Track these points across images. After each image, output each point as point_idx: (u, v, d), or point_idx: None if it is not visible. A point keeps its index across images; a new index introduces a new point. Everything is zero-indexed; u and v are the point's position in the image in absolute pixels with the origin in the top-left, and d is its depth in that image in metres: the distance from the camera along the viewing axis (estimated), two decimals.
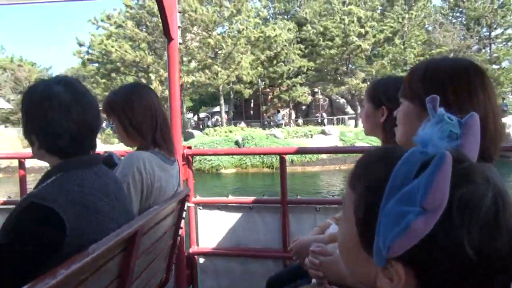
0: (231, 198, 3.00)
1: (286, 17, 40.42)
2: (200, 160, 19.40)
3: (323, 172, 19.53)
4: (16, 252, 1.03)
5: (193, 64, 30.42)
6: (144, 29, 30.12)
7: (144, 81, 27.70)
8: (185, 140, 25.49)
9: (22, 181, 3.17)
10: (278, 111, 36.35)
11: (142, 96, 1.81)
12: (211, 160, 20.05)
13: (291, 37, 34.14)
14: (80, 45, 33.24)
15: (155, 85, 26.22)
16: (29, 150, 1.47)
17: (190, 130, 29.31)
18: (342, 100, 36.95)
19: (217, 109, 37.74)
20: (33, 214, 1.04)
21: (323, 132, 24.38)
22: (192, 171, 3.00)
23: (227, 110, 36.14)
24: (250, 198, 2.97)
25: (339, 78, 33.87)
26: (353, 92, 33.20)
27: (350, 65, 34.26)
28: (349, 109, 36.04)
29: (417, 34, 35.08)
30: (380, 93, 1.51)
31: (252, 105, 40.07)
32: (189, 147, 3.02)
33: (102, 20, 30.32)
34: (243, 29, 28.84)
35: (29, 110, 1.19)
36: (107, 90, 30.90)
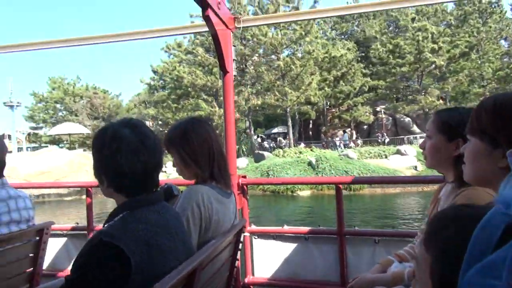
0: (286, 228, 2.97)
1: (343, 37, 40.50)
2: None
3: (405, 194, 18.59)
4: (85, 286, 1.09)
5: (258, 86, 31.08)
6: (213, 55, 31.26)
7: (214, 104, 28.63)
8: (256, 161, 25.71)
9: (89, 209, 3.37)
10: (344, 132, 35.62)
11: (199, 130, 1.87)
12: None
13: (351, 56, 33.98)
14: (154, 72, 36.02)
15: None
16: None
17: (260, 151, 29.31)
18: (407, 119, 35.51)
19: (275, 130, 38.04)
20: (102, 251, 1.11)
21: (398, 152, 23.50)
22: (247, 200, 3.02)
23: (285, 131, 36.25)
24: (305, 228, 2.92)
25: (410, 96, 32.76)
26: (426, 110, 31.77)
27: (422, 82, 33.06)
28: (415, 128, 34.56)
29: (494, 48, 33.33)
30: (456, 125, 1.44)
31: (310, 125, 39.84)
32: (244, 176, 3.05)
33: (173, 48, 32.56)
34: (313, 50, 28.90)
35: (99, 151, 1.28)
36: (177, 113, 32.46)
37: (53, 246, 3.46)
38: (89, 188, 3.33)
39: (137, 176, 1.25)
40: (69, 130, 36.96)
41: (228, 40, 2.75)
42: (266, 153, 27.61)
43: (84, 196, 3.72)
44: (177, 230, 1.35)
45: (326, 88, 31.99)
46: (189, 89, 31.60)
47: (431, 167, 1.55)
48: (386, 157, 23.33)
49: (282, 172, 21.76)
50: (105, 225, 1.22)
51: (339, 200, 2.71)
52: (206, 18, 2.32)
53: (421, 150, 1.59)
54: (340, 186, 2.72)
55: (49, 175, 21.90)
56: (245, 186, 2.98)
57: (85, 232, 3.39)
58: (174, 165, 1.91)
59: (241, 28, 2.90)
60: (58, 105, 47.60)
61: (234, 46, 2.85)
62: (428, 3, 2.93)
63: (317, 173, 21.49)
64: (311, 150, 27.38)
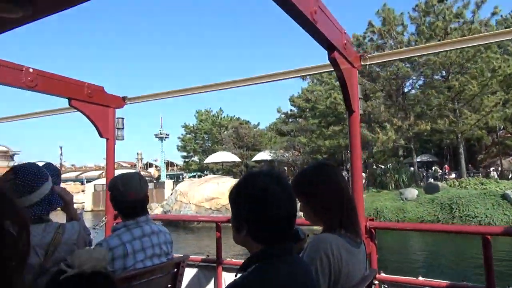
0: (421, 279, 2.69)
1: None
2: None
3: None
4: None
5: (418, 109, 28.61)
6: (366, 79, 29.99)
7: (377, 129, 27.31)
8: (427, 192, 23.67)
9: (219, 243, 3.56)
10: None
11: (329, 176, 1.84)
12: None
13: None
14: (308, 100, 37.66)
15: (390, 134, 25.94)
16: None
17: (432, 181, 27.16)
18: None
19: (419, 159, 35.45)
20: None
21: None
22: (376, 245, 2.84)
23: (430, 159, 33.40)
24: (443, 282, 2.59)
25: None
26: None
27: None
28: None
29: None
30: None
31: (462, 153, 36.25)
32: (372, 219, 2.89)
33: (326, 76, 33.06)
34: (498, 67, 25.32)
35: (243, 199, 1.34)
36: (329, 140, 32.84)
37: (186, 276, 3.73)
38: (219, 223, 3.53)
39: (277, 225, 1.29)
40: (222, 158, 40.85)
41: (354, 79, 2.70)
42: (440, 184, 24.84)
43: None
44: (306, 283, 1.32)
45: (507, 110, 27.37)
46: (344, 115, 31.39)
47: None
48: None
49: (470, 206, 19.52)
50: (238, 275, 1.26)
51: (487, 255, 2.34)
52: (332, 61, 2.33)
53: None
54: (489, 237, 2.35)
55: (217, 201, 24.88)
56: (373, 230, 2.81)
57: (215, 264, 3.58)
58: (301, 210, 1.90)
59: (367, 66, 2.83)
60: (205, 136, 52.84)
61: (360, 84, 2.78)
62: None
63: None
64: (495, 181, 24.26)
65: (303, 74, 3.20)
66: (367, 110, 27.73)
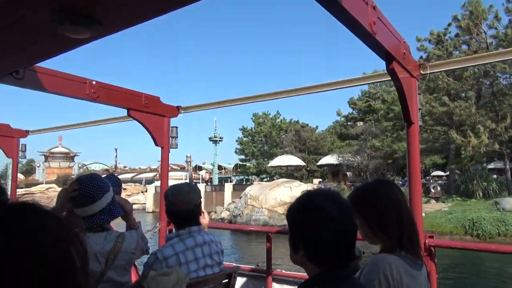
0: None
1: None
2: None
3: None
4: None
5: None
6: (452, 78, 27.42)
7: (469, 132, 24.82)
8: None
9: (269, 253, 3.54)
10: None
11: (386, 193, 1.76)
12: None
13: None
14: (353, 104, 37.59)
15: (483, 137, 23.81)
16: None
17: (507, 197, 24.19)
18: None
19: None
20: None
21: None
22: (435, 264, 2.68)
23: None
24: None
25: None
26: None
27: None
28: None
29: None
30: None
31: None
32: (431, 236, 2.73)
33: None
34: None
35: (300, 220, 1.32)
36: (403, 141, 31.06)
37: (236, 285, 3.75)
38: (269, 234, 3.51)
39: (335, 248, 1.26)
40: (287, 162, 40.27)
41: (413, 89, 2.58)
42: None
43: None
44: None
45: None
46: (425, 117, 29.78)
47: None
48: None
49: None
50: None
51: None
52: (390, 71, 2.24)
53: None
54: None
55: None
56: (432, 248, 2.66)
57: (265, 275, 3.56)
58: (358, 228, 1.84)
59: (427, 75, 2.70)
60: (264, 139, 52.56)
61: (419, 94, 2.65)
62: None
63: None
64: None
65: (361, 83, 3.12)
66: (454, 111, 25.96)
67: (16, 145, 4.94)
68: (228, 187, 44.92)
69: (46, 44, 1.88)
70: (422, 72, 2.70)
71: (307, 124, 51.55)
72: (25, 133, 5.07)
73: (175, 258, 2.25)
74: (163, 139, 3.68)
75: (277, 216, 24.71)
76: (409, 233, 1.71)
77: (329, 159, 40.69)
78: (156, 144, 3.66)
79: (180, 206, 2.35)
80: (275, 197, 26.18)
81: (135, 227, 2.34)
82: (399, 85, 2.35)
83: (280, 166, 43.02)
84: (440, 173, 37.56)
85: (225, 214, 32.85)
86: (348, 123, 45.64)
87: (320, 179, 41.93)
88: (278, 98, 3.43)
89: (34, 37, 1.81)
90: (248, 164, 56.90)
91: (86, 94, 2.99)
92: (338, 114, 44.84)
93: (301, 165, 41.81)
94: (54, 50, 1.98)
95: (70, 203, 2.04)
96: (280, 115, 54.38)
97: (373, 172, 35.54)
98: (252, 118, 54.74)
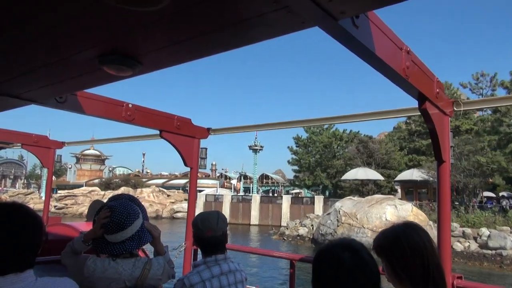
0: None
1: None
2: None
3: None
4: None
5: None
6: None
7: None
8: None
9: (291, 280, 3.54)
10: None
11: (412, 238, 1.75)
12: None
13: None
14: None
15: None
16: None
17: None
18: None
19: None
20: None
21: None
22: None
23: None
24: None
25: None
26: None
27: None
28: None
29: None
30: None
31: None
32: (460, 277, 2.67)
33: None
34: None
35: (316, 274, 1.34)
36: None
37: None
38: (294, 261, 3.52)
39: None
40: (363, 176, 36.96)
41: (446, 126, 2.55)
42: None
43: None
44: None
45: None
46: None
47: None
48: None
49: None
50: None
51: None
52: (423, 111, 2.24)
53: None
54: None
55: None
56: None
57: None
58: (383, 271, 1.83)
59: (461, 112, 2.66)
60: (321, 149, 50.38)
61: (452, 131, 2.62)
62: None
63: None
64: None
65: (393, 116, 3.12)
66: None
67: (52, 155, 5.20)
68: (286, 200, 43.61)
69: (89, 77, 2.00)
70: (456, 109, 2.67)
71: (371, 136, 48.71)
72: (61, 145, 5.34)
73: (201, 285, 2.30)
74: (192, 159, 3.78)
75: None
76: (435, 282, 1.69)
77: (408, 175, 36.53)
78: (186, 165, 3.76)
79: (209, 233, 2.40)
80: (379, 216, 23.10)
81: (162, 253, 2.40)
82: (431, 124, 2.33)
83: (354, 180, 39.79)
84: None
85: (303, 231, 30.36)
86: (412, 137, 43.48)
87: (392, 196, 37.07)
88: (302, 126, 3.47)
89: (79, 72, 1.93)
90: (300, 175, 54.34)
91: (123, 117, 3.13)
92: (399, 127, 42.53)
93: (379, 180, 38.20)
94: (96, 82, 2.10)
95: (101, 229, 2.13)
96: (334, 125, 50.81)
97: (471, 191, 31.87)
98: (304, 128, 51.04)
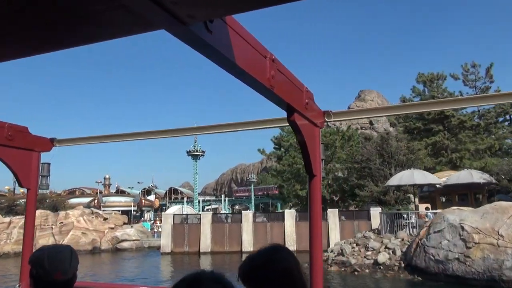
0: None
1: None
2: None
3: None
4: None
5: None
6: None
7: None
8: None
9: None
10: None
11: (280, 262, 1.76)
12: None
13: None
14: None
15: None
16: None
17: None
18: None
19: None
20: None
21: None
22: None
23: None
24: None
25: None
26: None
27: None
28: None
29: None
30: None
31: None
32: None
33: None
34: None
35: None
36: None
37: None
38: None
39: None
40: (417, 180, 27.68)
41: (316, 138, 2.58)
42: None
43: None
44: None
45: None
46: None
47: None
48: None
49: None
50: None
51: None
52: (291, 123, 2.22)
53: None
54: None
55: None
56: None
57: None
58: None
59: (332, 122, 2.75)
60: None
61: (323, 143, 2.69)
62: None
63: None
64: None
65: (263, 127, 3.09)
66: None
67: (36, 164, 3.36)
68: (290, 215, 36.84)
69: None
70: (327, 120, 2.75)
71: (388, 132, 43.83)
72: (49, 144, 3.48)
73: None
74: (30, 178, 3.22)
75: None
76: None
77: (433, 178, 29.07)
78: (21, 185, 3.17)
79: (57, 277, 2.00)
80: None
81: None
82: (301, 137, 2.34)
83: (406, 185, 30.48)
84: None
85: (383, 257, 21.80)
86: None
87: (429, 205, 31.60)
88: (175, 136, 3.26)
89: None
90: (286, 184, 46.37)
91: None
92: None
93: (438, 184, 29.97)
94: None
95: None
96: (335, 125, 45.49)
97: None
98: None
